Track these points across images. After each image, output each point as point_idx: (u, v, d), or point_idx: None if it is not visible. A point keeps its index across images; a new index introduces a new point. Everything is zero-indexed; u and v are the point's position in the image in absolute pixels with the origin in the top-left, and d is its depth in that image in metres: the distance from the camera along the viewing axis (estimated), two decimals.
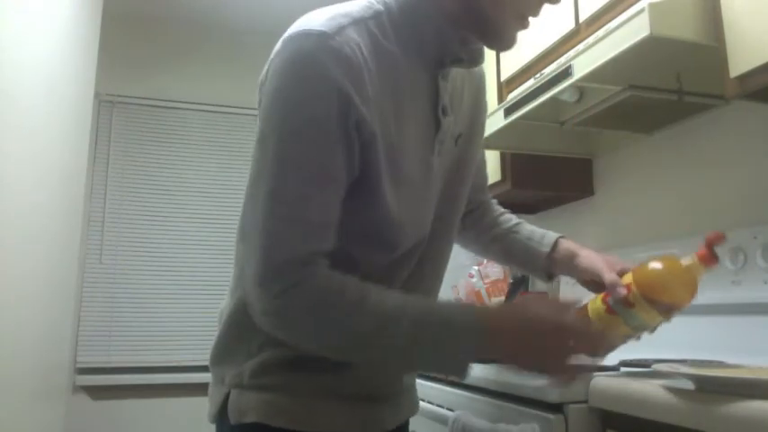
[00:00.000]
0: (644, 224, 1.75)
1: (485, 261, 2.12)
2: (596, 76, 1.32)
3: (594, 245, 1.32)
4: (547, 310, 0.77)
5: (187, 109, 3.20)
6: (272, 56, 0.77)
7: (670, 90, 1.43)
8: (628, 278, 0.89)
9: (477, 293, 2.07)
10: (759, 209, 1.38)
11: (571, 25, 1.53)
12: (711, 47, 1.17)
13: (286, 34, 0.76)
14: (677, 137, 1.65)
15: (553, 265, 1.03)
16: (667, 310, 0.87)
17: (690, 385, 0.75)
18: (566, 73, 1.38)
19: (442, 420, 1.16)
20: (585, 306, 0.94)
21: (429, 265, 0.91)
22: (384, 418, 0.89)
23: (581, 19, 1.49)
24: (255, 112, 0.81)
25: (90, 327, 2.91)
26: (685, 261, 0.86)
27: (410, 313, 0.74)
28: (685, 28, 1.19)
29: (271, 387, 0.81)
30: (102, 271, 2.97)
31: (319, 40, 0.72)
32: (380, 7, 0.80)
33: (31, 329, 1.92)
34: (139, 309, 2.98)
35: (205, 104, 3.22)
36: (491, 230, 1.11)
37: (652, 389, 0.79)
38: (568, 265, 1.00)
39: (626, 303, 0.88)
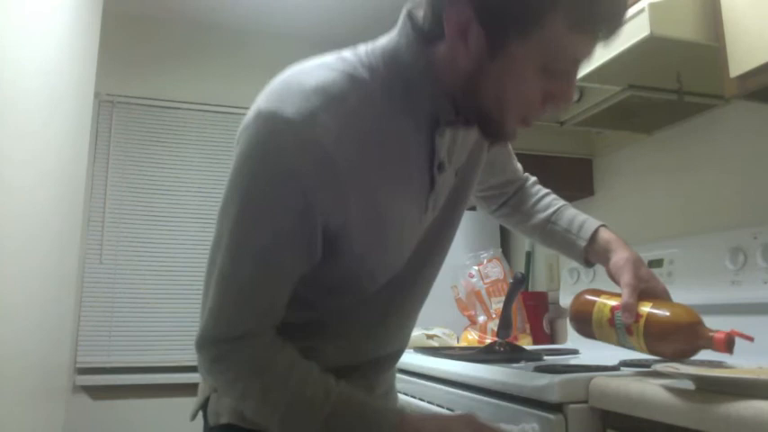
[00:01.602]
0: (644, 224, 1.75)
1: (485, 261, 2.12)
2: (596, 76, 1.33)
3: None
4: None
5: (187, 109, 3.19)
6: (242, 125, 0.74)
7: (670, 90, 1.44)
8: (644, 307, 0.89)
9: (478, 293, 2.07)
10: (759, 209, 1.38)
11: None
12: (711, 47, 1.17)
13: (259, 105, 0.72)
14: (677, 137, 1.65)
15: (590, 255, 1.06)
16: (658, 354, 0.90)
17: (690, 385, 0.75)
18: None
19: None
20: (597, 296, 0.95)
21: (415, 288, 0.91)
22: None
23: None
24: None
25: (90, 327, 2.91)
26: (705, 330, 0.86)
27: (326, 409, 0.74)
28: (685, 28, 1.19)
29: None
30: (102, 271, 2.97)
31: (286, 130, 0.69)
32: (365, 76, 0.75)
33: (31, 329, 1.92)
34: (139, 309, 2.98)
35: (205, 104, 3.21)
36: (529, 220, 1.13)
37: (652, 389, 0.78)
38: (602, 259, 1.03)
39: (627, 329, 0.88)
